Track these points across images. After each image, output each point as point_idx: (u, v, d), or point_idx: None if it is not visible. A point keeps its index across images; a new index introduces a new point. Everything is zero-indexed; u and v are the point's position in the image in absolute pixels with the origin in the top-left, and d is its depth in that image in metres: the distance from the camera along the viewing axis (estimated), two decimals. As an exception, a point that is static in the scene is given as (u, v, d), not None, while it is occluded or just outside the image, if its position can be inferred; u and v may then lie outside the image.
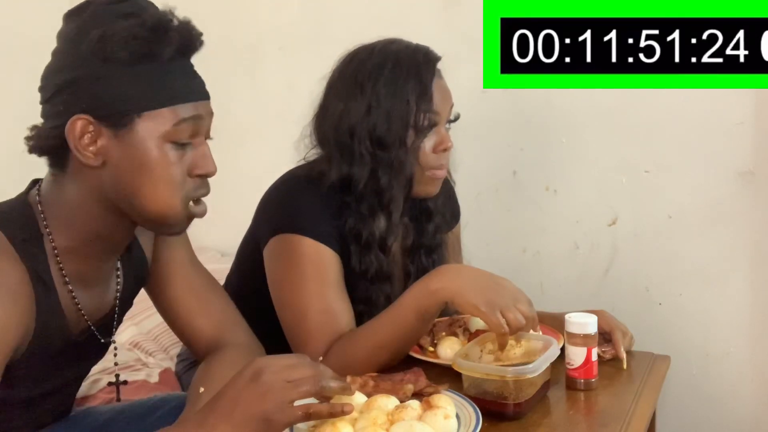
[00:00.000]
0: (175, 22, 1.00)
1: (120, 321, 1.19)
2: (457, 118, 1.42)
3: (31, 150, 1.03)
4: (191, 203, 1.04)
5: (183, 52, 1.01)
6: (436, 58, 1.39)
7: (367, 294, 1.40)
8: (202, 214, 1.07)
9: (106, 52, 0.96)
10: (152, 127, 0.98)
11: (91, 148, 0.98)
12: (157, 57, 0.98)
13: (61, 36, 1.02)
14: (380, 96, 1.34)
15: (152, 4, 1.03)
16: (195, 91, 1.03)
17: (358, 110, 1.34)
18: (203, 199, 1.07)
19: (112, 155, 0.99)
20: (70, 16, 1.02)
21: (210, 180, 1.07)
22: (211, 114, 1.05)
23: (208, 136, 1.06)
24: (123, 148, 0.99)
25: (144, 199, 1.00)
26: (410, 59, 1.36)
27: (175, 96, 1.00)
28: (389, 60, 1.36)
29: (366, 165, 1.35)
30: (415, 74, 1.35)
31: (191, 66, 1.05)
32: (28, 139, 1.03)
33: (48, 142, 1.01)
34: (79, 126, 0.97)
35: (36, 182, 1.08)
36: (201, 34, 1.04)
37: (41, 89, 1.02)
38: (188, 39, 1.01)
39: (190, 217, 1.06)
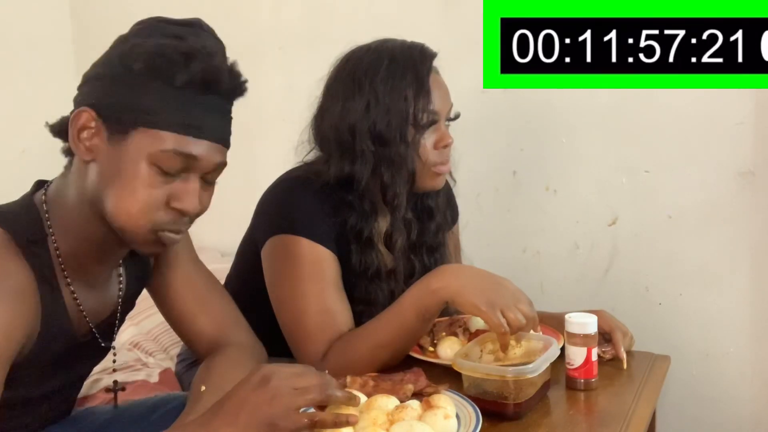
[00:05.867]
0: (211, 57, 0.98)
1: (122, 322, 1.19)
2: (457, 117, 1.43)
3: (51, 129, 1.05)
4: (164, 232, 1.02)
5: (204, 86, 0.99)
6: (432, 55, 1.40)
7: (367, 293, 1.40)
8: (170, 244, 1.05)
9: (130, 59, 0.97)
10: (142, 145, 0.97)
11: (86, 143, 0.99)
12: (169, 79, 0.97)
13: (118, 37, 1.03)
14: (378, 93, 1.34)
15: (212, 37, 1.03)
16: (204, 129, 1.00)
17: (356, 108, 1.35)
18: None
19: (101, 156, 0.99)
20: (136, 24, 1.04)
21: None
22: (214, 161, 1.01)
23: (209, 179, 1.04)
24: (111, 153, 0.99)
25: (112, 207, 0.99)
26: (406, 55, 1.37)
27: (177, 124, 0.98)
28: (385, 57, 1.36)
29: (368, 162, 1.36)
30: (412, 70, 1.35)
31: (220, 107, 1.03)
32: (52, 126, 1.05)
33: (63, 126, 1.03)
34: (83, 118, 0.99)
35: (41, 184, 1.09)
36: (239, 79, 1.03)
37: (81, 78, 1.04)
38: (211, 75, 0.99)
39: (157, 242, 1.03)
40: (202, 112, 1.00)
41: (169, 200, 1.00)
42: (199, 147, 1.00)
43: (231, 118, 1.07)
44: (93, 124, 0.99)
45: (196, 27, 1.03)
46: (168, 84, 0.97)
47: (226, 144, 1.05)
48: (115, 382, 1.29)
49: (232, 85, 1.03)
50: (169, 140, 0.98)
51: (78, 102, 1.01)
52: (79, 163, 1.02)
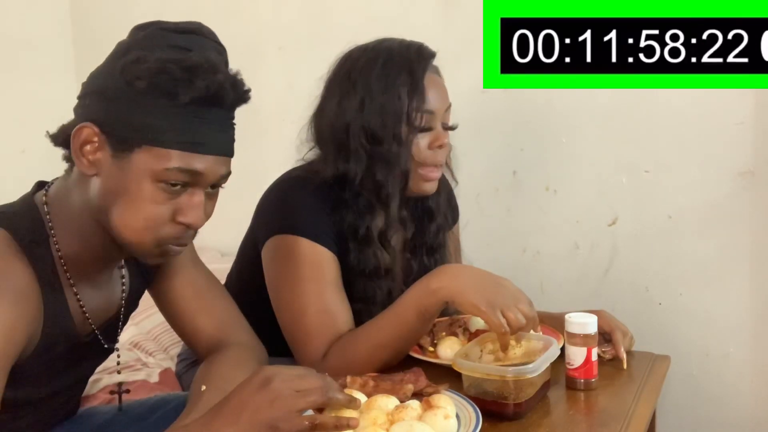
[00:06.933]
0: (215, 72, 0.97)
1: (125, 322, 1.20)
2: (454, 127, 1.42)
3: (52, 139, 1.05)
4: (169, 245, 1.02)
5: (208, 102, 0.98)
6: (430, 54, 1.39)
7: (365, 291, 1.40)
8: (174, 255, 1.06)
9: (132, 75, 0.96)
10: (146, 163, 0.97)
11: (89, 157, 0.99)
12: (173, 97, 0.96)
13: (118, 44, 1.02)
14: (373, 91, 1.34)
15: (214, 45, 1.02)
16: (209, 144, 0.99)
17: (351, 106, 1.35)
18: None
19: (104, 171, 0.99)
20: (135, 29, 1.02)
21: None
22: (219, 174, 1.01)
23: (216, 186, 1.04)
24: (115, 170, 0.98)
25: (117, 222, 0.99)
26: (402, 54, 1.37)
27: (182, 142, 0.97)
28: (381, 56, 1.36)
29: (361, 160, 1.36)
30: (407, 68, 1.35)
31: (224, 119, 1.02)
32: (53, 136, 1.05)
33: (63, 136, 1.02)
34: (84, 133, 0.98)
35: (41, 184, 1.09)
36: (242, 90, 1.01)
37: (81, 87, 1.03)
38: (215, 91, 0.97)
39: (162, 254, 1.04)
40: (207, 128, 0.99)
41: (174, 215, 1.00)
42: (203, 162, 0.99)
43: (234, 126, 1.06)
44: (95, 139, 0.98)
45: (197, 34, 1.01)
46: (172, 102, 0.96)
47: (230, 154, 1.04)
48: (120, 384, 1.29)
49: (236, 97, 1.02)
50: (174, 158, 0.97)
51: (80, 115, 1.00)
52: (81, 173, 1.01)
